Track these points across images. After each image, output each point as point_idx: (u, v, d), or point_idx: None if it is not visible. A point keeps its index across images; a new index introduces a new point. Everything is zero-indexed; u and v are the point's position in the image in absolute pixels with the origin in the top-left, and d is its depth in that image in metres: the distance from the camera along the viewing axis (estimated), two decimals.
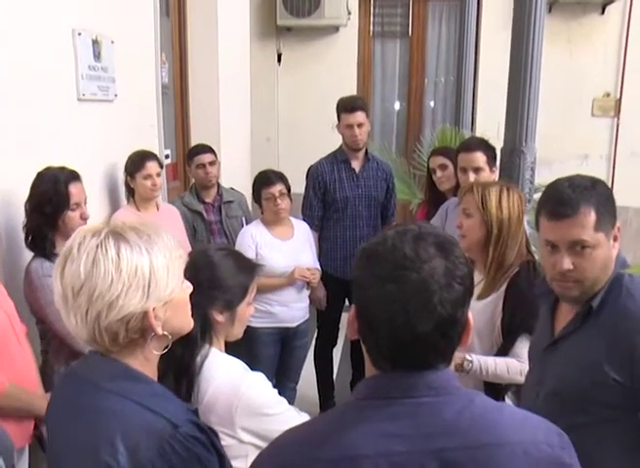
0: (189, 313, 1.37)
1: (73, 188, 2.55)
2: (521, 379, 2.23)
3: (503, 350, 2.32)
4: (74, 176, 2.59)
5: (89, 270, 1.20)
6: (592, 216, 1.61)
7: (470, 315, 1.08)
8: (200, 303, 1.72)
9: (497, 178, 3.24)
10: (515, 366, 2.27)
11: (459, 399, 1.05)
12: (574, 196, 1.62)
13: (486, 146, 3.23)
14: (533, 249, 3.29)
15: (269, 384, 1.77)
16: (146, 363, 1.31)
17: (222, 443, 1.63)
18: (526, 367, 2.21)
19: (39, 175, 2.53)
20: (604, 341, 1.60)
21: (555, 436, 1.07)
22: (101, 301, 1.20)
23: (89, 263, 1.20)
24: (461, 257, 1.06)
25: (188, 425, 1.24)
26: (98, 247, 1.21)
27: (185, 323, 1.37)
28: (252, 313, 1.94)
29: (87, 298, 1.20)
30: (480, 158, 3.16)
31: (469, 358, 2.24)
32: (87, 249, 1.21)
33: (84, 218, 2.58)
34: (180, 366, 1.68)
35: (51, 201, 2.48)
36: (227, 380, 1.70)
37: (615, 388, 1.58)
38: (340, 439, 1.02)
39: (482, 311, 2.30)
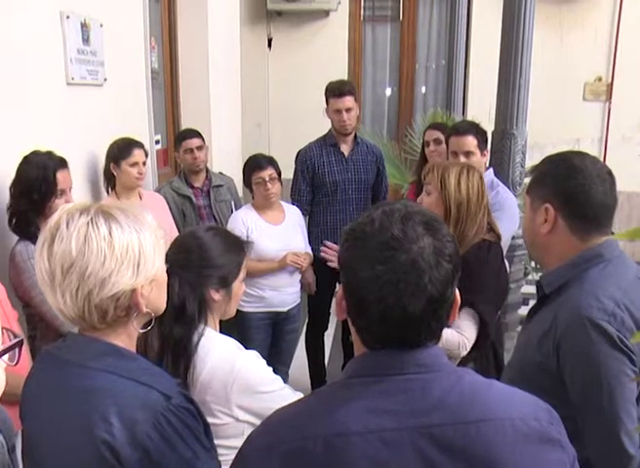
0: (166, 292, 1.38)
1: (60, 175, 2.55)
2: (459, 353, 2.23)
3: None
4: (62, 164, 2.59)
5: (80, 247, 1.19)
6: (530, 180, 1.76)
7: (457, 292, 1.08)
8: (196, 284, 1.74)
9: (487, 162, 3.24)
10: (454, 337, 2.24)
11: (448, 375, 1.05)
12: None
13: (477, 130, 3.23)
14: (518, 231, 3.31)
15: (264, 362, 1.79)
16: (128, 340, 1.32)
17: (219, 421, 1.66)
18: (465, 340, 2.23)
19: (26, 159, 2.51)
20: (545, 325, 1.61)
21: (544, 411, 1.07)
22: (94, 279, 1.19)
23: (80, 240, 1.19)
24: (448, 236, 1.06)
25: (179, 396, 1.25)
26: (88, 224, 1.20)
27: (163, 301, 1.38)
28: (243, 290, 1.96)
29: (78, 276, 1.19)
30: (471, 142, 3.15)
31: None
32: (77, 226, 1.20)
33: None
34: (179, 346, 1.69)
35: (39, 188, 2.48)
36: (222, 359, 1.71)
37: (545, 372, 1.59)
38: (330, 416, 1.02)
39: None
